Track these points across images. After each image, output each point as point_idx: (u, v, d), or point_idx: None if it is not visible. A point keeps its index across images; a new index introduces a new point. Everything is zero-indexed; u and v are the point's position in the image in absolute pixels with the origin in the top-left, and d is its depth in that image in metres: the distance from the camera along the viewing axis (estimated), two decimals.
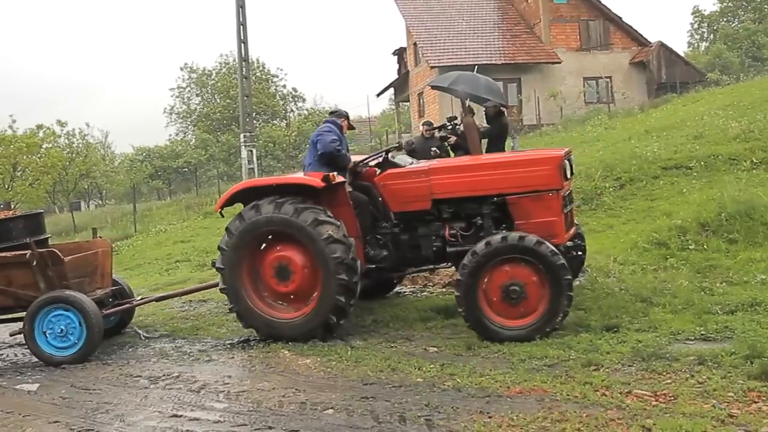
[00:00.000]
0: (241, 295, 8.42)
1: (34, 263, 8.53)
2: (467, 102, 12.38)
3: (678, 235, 10.57)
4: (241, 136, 26.28)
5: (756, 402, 5.36)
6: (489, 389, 6.10)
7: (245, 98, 25.72)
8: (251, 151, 25.66)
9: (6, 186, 40.21)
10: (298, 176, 8.90)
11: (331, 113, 9.66)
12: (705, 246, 10.15)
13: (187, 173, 53.28)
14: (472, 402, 5.84)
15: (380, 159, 9.17)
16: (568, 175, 8.37)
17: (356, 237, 8.45)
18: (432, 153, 12.22)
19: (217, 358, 8.04)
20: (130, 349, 9.05)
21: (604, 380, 6.06)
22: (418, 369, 6.82)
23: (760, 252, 9.59)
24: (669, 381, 5.96)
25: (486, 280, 7.68)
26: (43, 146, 42.56)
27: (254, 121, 31.14)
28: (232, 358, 7.95)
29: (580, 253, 9.28)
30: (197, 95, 61.31)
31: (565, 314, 7.57)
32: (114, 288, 9.67)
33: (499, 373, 6.50)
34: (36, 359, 8.54)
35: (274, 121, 60.67)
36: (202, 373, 7.40)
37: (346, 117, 9.58)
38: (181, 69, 60.37)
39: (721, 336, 7.04)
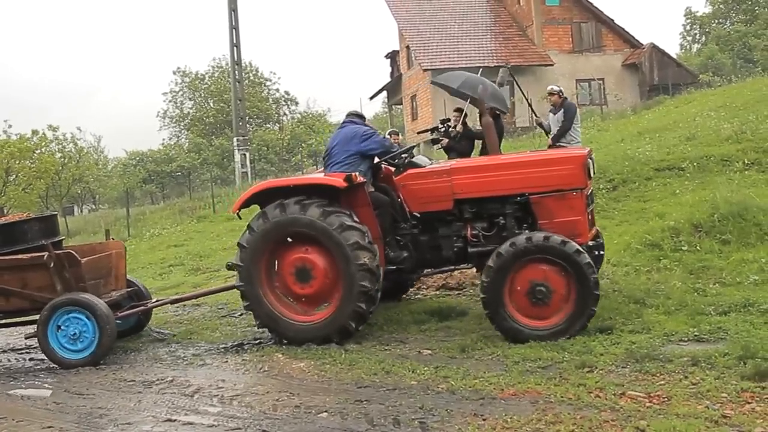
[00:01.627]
0: (258, 294, 8.30)
1: (52, 265, 8.47)
2: (467, 103, 12.39)
3: (671, 237, 10.57)
4: (235, 139, 26.32)
5: (749, 403, 5.36)
6: (483, 391, 6.10)
7: (238, 102, 25.73)
8: (244, 154, 25.67)
9: None
10: (320, 176, 8.78)
11: (352, 114, 9.37)
12: (698, 247, 10.16)
13: (181, 177, 53.25)
14: (466, 404, 5.84)
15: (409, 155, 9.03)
16: (591, 174, 8.32)
17: (377, 238, 8.32)
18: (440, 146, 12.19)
19: (210, 362, 8.02)
20: (123, 354, 9.03)
21: (597, 382, 6.06)
22: (412, 372, 6.81)
23: (752, 253, 9.60)
24: (662, 382, 5.96)
25: (511, 280, 7.61)
26: (36, 151, 42.51)
27: (247, 125, 31.12)
28: (226, 362, 7.94)
29: (601, 252, 9.18)
30: (190, 99, 61.29)
31: (592, 314, 7.50)
32: (129, 289, 9.65)
33: (493, 375, 6.50)
34: (45, 363, 8.55)
35: (267, 125, 60.68)
36: (196, 377, 7.38)
37: (365, 117, 9.58)
38: (174, 73, 60.39)
39: (715, 337, 7.04)
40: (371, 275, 7.95)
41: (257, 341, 8.66)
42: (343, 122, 9.36)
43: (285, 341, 8.27)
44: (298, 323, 8.26)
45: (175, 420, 6.11)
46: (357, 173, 8.34)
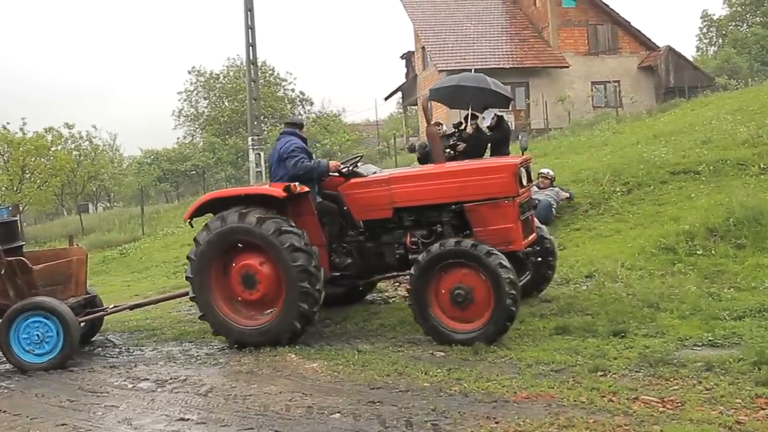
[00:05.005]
0: (210, 303, 8.60)
1: (2, 272, 8.62)
2: (469, 111, 12.57)
3: (686, 241, 10.53)
4: (249, 139, 26.28)
5: (764, 409, 5.33)
6: (496, 394, 6.09)
7: (253, 101, 25.76)
8: (259, 154, 25.62)
9: (15, 188, 40.37)
10: (263, 187, 9.13)
11: (288, 124, 9.62)
12: (713, 251, 10.11)
13: (195, 176, 53.37)
14: (479, 407, 5.83)
15: (355, 165, 9.34)
16: (525, 183, 8.50)
17: (321, 245, 8.66)
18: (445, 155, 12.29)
19: (224, 361, 8.05)
20: (137, 352, 9.08)
21: (611, 386, 6.04)
22: (425, 373, 6.81)
23: None
24: (676, 387, 5.94)
25: (434, 286, 7.90)
26: (52, 149, 42.73)
27: (262, 125, 31.12)
28: (239, 361, 7.95)
29: (545, 259, 9.39)
30: (205, 98, 61.35)
31: (511, 316, 7.64)
32: (87, 296, 9.67)
33: (506, 378, 6.50)
34: None
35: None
36: (210, 377, 7.42)
37: (302, 126, 9.70)
38: (189, 72, 60.40)
39: (729, 342, 7.01)
40: (310, 276, 8.19)
41: None
42: (280, 134, 9.61)
43: (236, 345, 8.52)
44: (248, 328, 8.50)
45: (188, 419, 6.14)
46: (297, 183, 8.60)
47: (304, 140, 9.34)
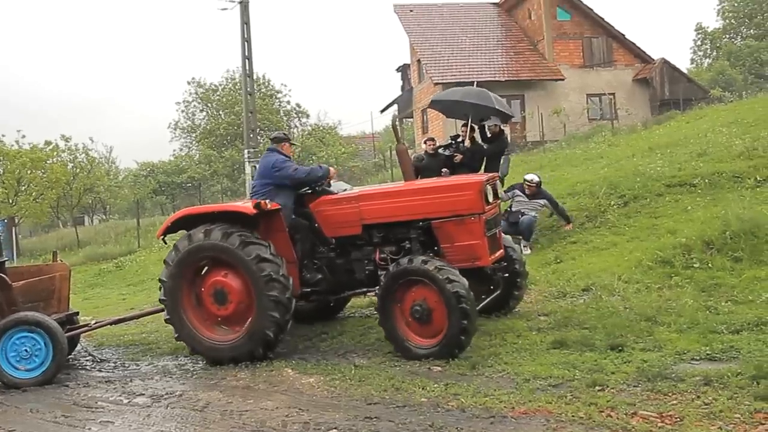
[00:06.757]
0: (184, 322, 8.69)
1: None
2: (469, 121, 12.68)
3: (682, 253, 10.53)
4: (245, 151, 26.33)
5: (763, 423, 5.30)
6: (493, 409, 6.06)
7: (249, 114, 25.77)
8: (255, 166, 25.59)
9: (10, 201, 40.26)
10: (235, 204, 9.19)
11: (273, 140, 9.74)
12: (710, 264, 10.11)
13: (191, 188, 53.35)
14: (477, 422, 5.80)
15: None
16: (491, 200, 8.59)
17: (292, 262, 8.82)
18: (442, 173, 12.38)
19: (220, 376, 8.01)
20: (132, 367, 9.04)
21: (609, 401, 6.01)
22: (422, 388, 6.78)
23: (765, 270, 9.54)
24: (675, 402, 5.91)
25: (398, 303, 8.04)
26: (48, 161, 42.64)
27: (258, 137, 31.12)
28: (236, 376, 7.92)
29: (512, 276, 9.40)
30: (201, 111, 61.39)
31: (466, 331, 7.69)
32: (69, 312, 9.64)
33: (504, 393, 6.46)
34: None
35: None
36: (206, 392, 7.37)
37: (287, 139, 9.79)
38: (188, 83, 60.43)
39: (727, 356, 6.97)
40: (277, 284, 8.27)
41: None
42: (266, 150, 9.71)
43: (215, 363, 8.55)
44: (222, 344, 8.58)
45: None
46: (267, 201, 8.74)
47: (286, 156, 9.45)
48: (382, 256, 8.79)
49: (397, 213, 8.67)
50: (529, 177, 13.97)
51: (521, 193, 13.82)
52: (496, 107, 12.81)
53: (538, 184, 13.87)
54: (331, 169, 9.37)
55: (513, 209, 13.74)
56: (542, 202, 13.81)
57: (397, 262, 8.13)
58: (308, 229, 9.14)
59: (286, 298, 8.33)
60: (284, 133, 9.99)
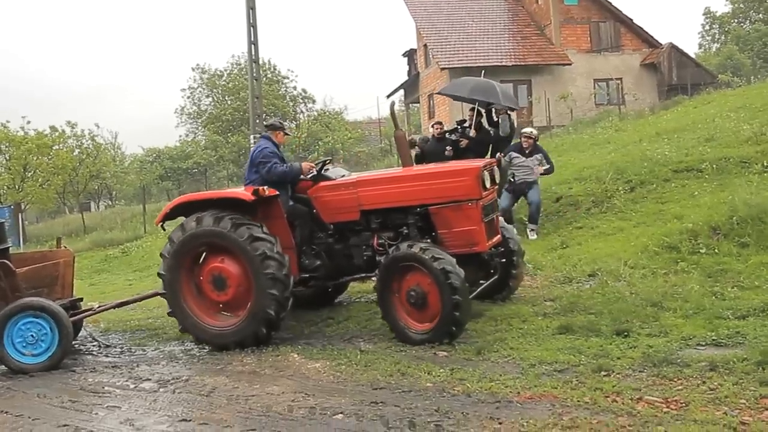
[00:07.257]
0: (186, 313, 8.78)
1: None
2: (476, 108, 12.70)
3: (689, 239, 10.50)
4: (251, 137, 26.24)
5: None
6: (499, 394, 6.07)
7: (255, 100, 25.72)
8: None
9: (17, 187, 40.39)
10: (233, 190, 9.26)
11: (267, 127, 9.77)
12: (716, 250, 10.07)
13: (197, 174, 53.45)
14: (482, 407, 5.81)
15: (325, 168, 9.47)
16: (488, 185, 8.58)
17: (290, 248, 8.87)
18: (446, 153, 12.38)
19: (226, 361, 8.03)
20: (139, 352, 9.07)
21: (614, 386, 6.01)
22: (428, 374, 6.79)
23: None
24: (680, 387, 5.90)
25: (395, 288, 8.12)
26: (54, 147, 42.72)
27: (264, 123, 31.09)
28: (242, 361, 7.95)
29: (509, 259, 9.38)
30: (207, 96, 61.37)
31: (459, 306, 7.69)
32: (73, 299, 9.65)
33: (509, 378, 6.47)
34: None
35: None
36: (212, 377, 7.40)
37: (281, 128, 9.77)
38: (193, 69, 60.45)
39: (733, 341, 6.96)
40: (279, 283, 8.34)
41: (274, 341, 8.65)
42: (260, 137, 9.84)
43: (202, 344, 8.81)
44: (214, 328, 8.70)
45: (190, 420, 6.11)
46: (266, 187, 8.77)
47: (276, 146, 9.47)
48: (380, 241, 8.83)
49: (395, 199, 8.70)
50: (527, 130, 13.90)
51: (518, 154, 13.65)
52: (503, 103, 12.87)
53: (536, 139, 13.86)
54: (304, 164, 9.33)
55: (517, 180, 13.60)
56: (539, 156, 13.67)
57: (396, 247, 8.17)
58: (307, 215, 9.18)
59: (283, 274, 8.36)
60: (280, 122, 9.99)
